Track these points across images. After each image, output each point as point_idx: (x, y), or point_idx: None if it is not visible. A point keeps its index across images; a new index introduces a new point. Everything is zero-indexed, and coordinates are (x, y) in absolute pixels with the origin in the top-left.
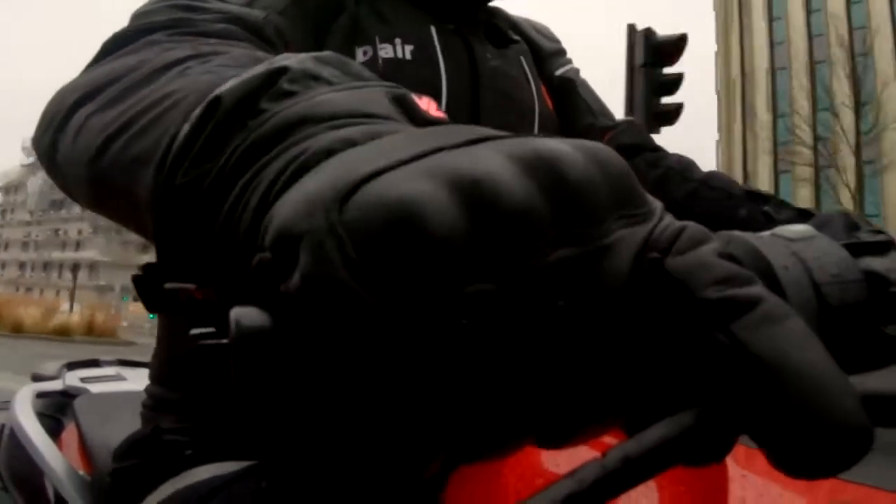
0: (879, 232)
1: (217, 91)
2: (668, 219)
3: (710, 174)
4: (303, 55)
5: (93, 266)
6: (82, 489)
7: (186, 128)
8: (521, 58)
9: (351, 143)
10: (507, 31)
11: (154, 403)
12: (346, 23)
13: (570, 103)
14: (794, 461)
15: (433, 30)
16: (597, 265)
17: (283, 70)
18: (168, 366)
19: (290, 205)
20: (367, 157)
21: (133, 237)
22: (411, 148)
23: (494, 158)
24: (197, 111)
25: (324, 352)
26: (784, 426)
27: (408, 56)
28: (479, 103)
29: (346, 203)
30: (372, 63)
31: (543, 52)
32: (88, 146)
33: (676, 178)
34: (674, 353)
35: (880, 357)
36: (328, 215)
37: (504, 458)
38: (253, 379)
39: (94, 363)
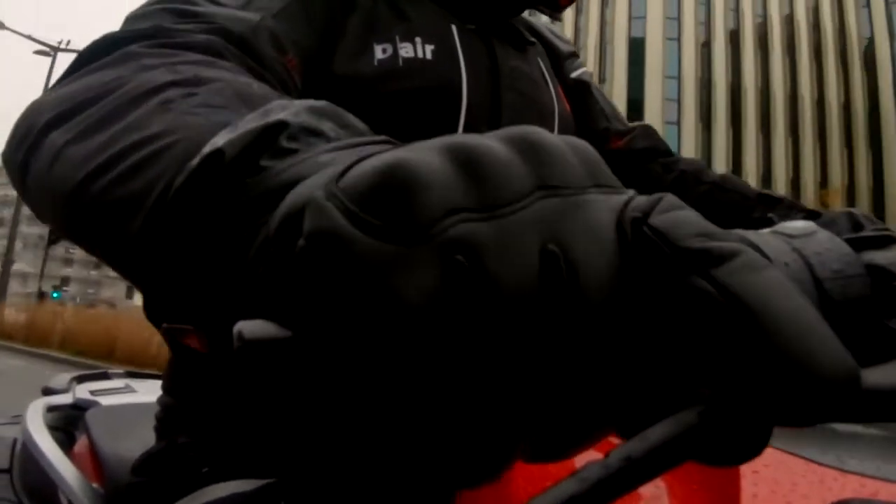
0: (884, 229)
1: (215, 144)
2: (644, 196)
3: (723, 177)
4: (299, 104)
5: (24, 276)
6: (96, 502)
7: (181, 179)
8: (539, 59)
9: None
10: (524, 32)
11: (168, 417)
12: (362, 20)
13: (586, 106)
14: (782, 408)
15: (454, 29)
16: (580, 213)
17: (281, 125)
18: (180, 379)
19: (291, 194)
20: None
21: (57, 253)
22: None
23: (484, 137)
24: (194, 162)
25: (330, 327)
26: (769, 371)
27: (428, 56)
28: (500, 104)
29: (342, 176)
30: (392, 61)
31: (560, 55)
32: (66, 178)
33: (691, 180)
34: (666, 345)
35: (884, 350)
36: (327, 187)
37: (500, 477)
38: (260, 388)
39: (104, 375)
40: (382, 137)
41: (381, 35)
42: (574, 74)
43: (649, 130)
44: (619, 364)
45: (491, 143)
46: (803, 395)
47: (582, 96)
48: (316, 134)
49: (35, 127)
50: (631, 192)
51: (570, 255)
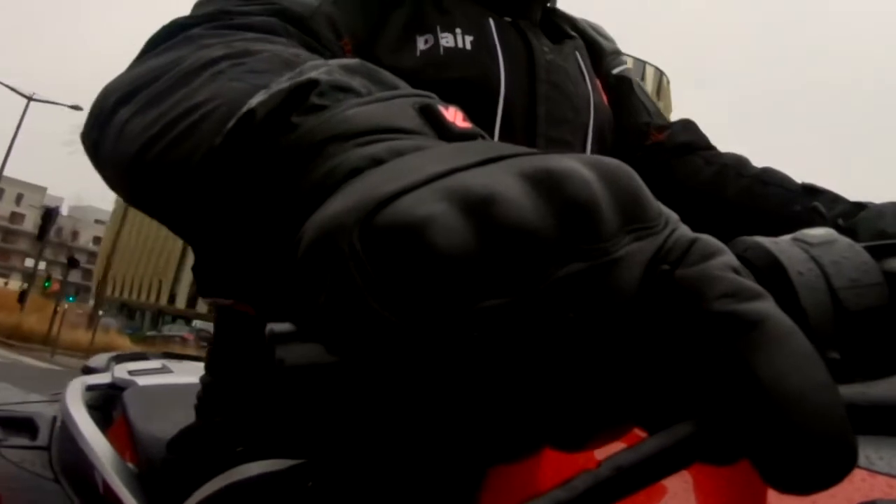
0: None
1: (249, 105)
2: (682, 230)
3: (765, 170)
4: (333, 63)
5: None
6: (130, 481)
7: (218, 140)
8: (577, 53)
9: (377, 161)
10: (564, 27)
11: (207, 396)
12: (407, 13)
13: (627, 101)
14: (782, 478)
15: (492, 22)
16: (606, 278)
17: (312, 83)
18: (222, 359)
19: (317, 226)
20: (387, 178)
21: None
22: (429, 168)
23: (506, 178)
24: (230, 124)
25: (351, 363)
26: (776, 446)
27: (468, 46)
28: (535, 96)
29: (366, 227)
30: (433, 50)
31: (602, 51)
32: (127, 150)
33: (731, 174)
34: (680, 364)
35: None
36: (350, 239)
37: (526, 459)
38: (290, 385)
39: (142, 356)
40: (416, 91)
41: (423, 28)
42: (615, 71)
43: (690, 124)
44: (631, 376)
45: (516, 194)
46: (806, 469)
47: (624, 92)
48: (345, 90)
49: (106, 108)
50: (668, 229)
51: (591, 319)
